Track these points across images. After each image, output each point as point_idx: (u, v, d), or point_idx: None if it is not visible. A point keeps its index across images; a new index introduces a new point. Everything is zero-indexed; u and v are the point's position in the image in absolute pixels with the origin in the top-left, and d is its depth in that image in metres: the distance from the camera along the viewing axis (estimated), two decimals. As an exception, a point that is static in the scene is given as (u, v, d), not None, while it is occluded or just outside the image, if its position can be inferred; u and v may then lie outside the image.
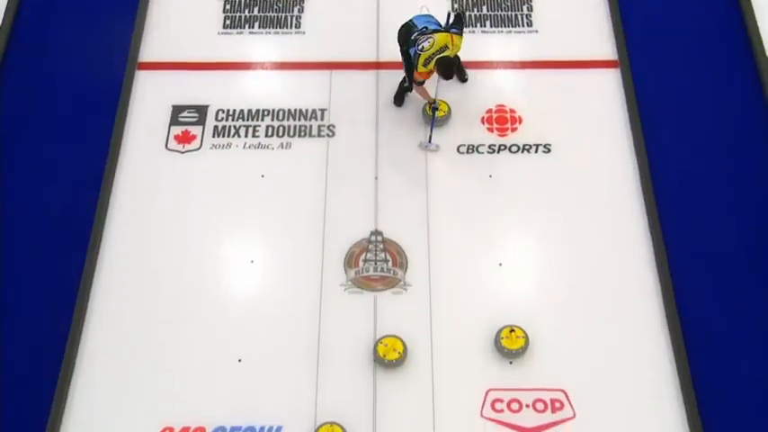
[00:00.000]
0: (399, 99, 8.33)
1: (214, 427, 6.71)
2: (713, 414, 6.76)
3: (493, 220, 7.67)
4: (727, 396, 6.86)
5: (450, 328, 7.17)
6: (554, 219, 7.71)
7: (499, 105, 8.28)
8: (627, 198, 7.78)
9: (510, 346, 6.93)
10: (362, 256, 7.49)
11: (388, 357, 6.95)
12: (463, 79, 8.40)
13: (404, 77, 8.08)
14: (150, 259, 7.56)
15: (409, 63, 7.78)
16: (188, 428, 6.68)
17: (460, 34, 7.60)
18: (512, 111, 8.28)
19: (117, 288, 7.42)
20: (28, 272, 7.56)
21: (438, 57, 7.43)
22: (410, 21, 7.75)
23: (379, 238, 7.58)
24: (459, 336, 7.12)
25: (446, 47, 7.46)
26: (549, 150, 8.00)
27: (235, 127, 8.20)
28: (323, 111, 8.27)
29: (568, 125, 8.20)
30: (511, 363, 6.96)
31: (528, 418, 6.73)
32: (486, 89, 8.25)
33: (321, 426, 6.65)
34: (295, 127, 8.21)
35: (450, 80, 7.72)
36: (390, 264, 7.46)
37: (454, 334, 7.14)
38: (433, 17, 7.72)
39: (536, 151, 8.01)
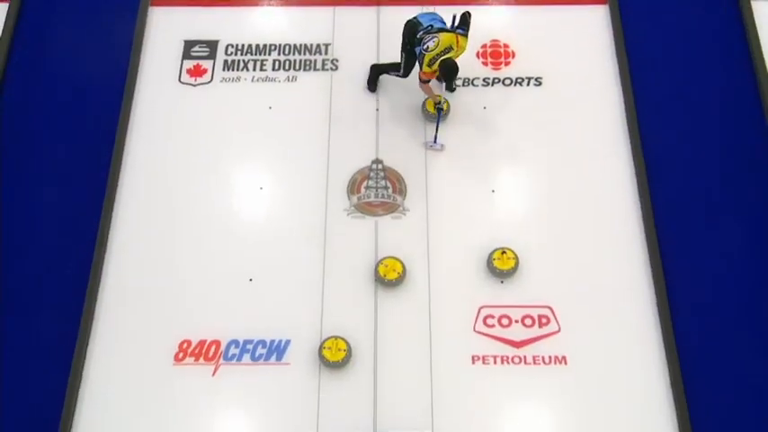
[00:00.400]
0: (373, 84, 8.07)
1: (228, 341, 6.90)
2: (684, 321, 6.93)
3: (486, 150, 7.75)
4: (700, 303, 7.03)
5: (446, 250, 7.31)
6: (544, 148, 7.80)
7: (493, 41, 8.36)
8: (612, 126, 7.88)
9: (501, 266, 7.08)
10: (364, 183, 7.59)
11: (388, 277, 7.08)
12: (453, 88, 8.10)
13: (389, 64, 7.88)
14: (166, 186, 7.66)
15: (408, 58, 7.55)
16: (204, 341, 6.88)
17: (466, 35, 7.35)
18: (505, 45, 8.34)
19: (136, 215, 7.54)
20: (53, 198, 7.65)
21: (442, 58, 7.22)
22: (415, 18, 7.49)
23: (380, 167, 7.67)
24: (454, 257, 7.26)
25: (451, 48, 7.23)
26: (540, 83, 8.08)
27: (243, 61, 8.25)
28: (327, 46, 8.32)
29: (559, 59, 8.26)
30: (502, 282, 7.13)
31: (517, 333, 6.92)
32: (482, 25, 8.13)
33: (326, 339, 6.83)
34: (300, 61, 8.26)
35: (441, 81, 7.68)
36: (390, 190, 7.57)
37: (449, 255, 7.28)
38: (437, 15, 7.48)
39: (528, 84, 8.08)
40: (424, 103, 7.81)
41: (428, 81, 7.52)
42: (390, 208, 7.53)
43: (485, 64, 8.20)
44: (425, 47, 7.20)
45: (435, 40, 7.16)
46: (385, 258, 7.21)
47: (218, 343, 6.92)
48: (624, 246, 7.31)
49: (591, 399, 6.69)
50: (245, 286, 7.17)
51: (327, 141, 7.82)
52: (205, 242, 7.40)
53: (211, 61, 8.23)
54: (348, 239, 7.40)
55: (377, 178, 7.64)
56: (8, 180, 7.77)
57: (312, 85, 8.14)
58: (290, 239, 7.43)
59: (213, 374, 6.82)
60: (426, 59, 7.21)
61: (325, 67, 8.20)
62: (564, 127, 7.89)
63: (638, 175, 7.58)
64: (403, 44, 7.52)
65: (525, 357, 6.86)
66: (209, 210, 7.57)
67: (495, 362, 6.85)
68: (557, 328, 6.95)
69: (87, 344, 6.90)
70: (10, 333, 7.03)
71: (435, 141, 7.67)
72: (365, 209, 7.52)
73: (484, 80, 8.10)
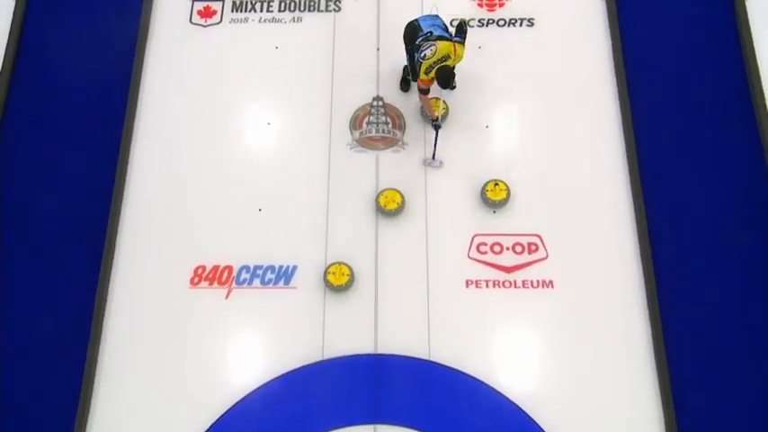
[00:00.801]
0: (406, 84, 7.82)
1: (239, 266, 7.06)
2: (663, 248, 7.07)
3: (481, 87, 7.76)
4: (678, 229, 7.17)
5: (442, 182, 7.40)
6: (535, 85, 7.81)
7: (488, -18, 8.42)
8: (600, 65, 7.87)
9: (494, 197, 7.19)
10: (366, 119, 7.63)
11: (388, 207, 7.20)
12: (452, 87, 7.65)
13: (405, 66, 7.63)
14: (180, 123, 7.73)
15: (413, 61, 7.26)
16: (218, 267, 7.05)
17: (463, 44, 7.07)
18: (499, -13, 8.40)
19: (153, 151, 7.62)
20: (73, 136, 7.74)
21: (439, 66, 6.96)
22: (417, 21, 7.21)
23: (381, 103, 7.71)
24: (450, 188, 7.35)
25: (448, 56, 6.96)
26: (533, 24, 8.06)
27: (251, 2, 8.23)
28: (329, -13, 8.39)
29: (550, 1, 8.24)
30: (494, 212, 7.24)
31: (508, 259, 7.07)
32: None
33: (331, 265, 6.99)
34: (305, 2, 8.22)
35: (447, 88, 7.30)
36: (390, 126, 7.62)
37: (445, 187, 7.37)
38: (439, 19, 7.18)
39: (521, 25, 8.06)
40: (420, 109, 7.63)
41: (427, 91, 7.23)
42: (390, 142, 7.59)
43: (480, 5, 8.17)
44: (423, 55, 6.97)
45: (433, 48, 6.92)
46: (385, 190, 7.30)
47: (230, 268, 7.07)
48: (608, 178, 7.38)
49: (575, 319, 6.85)
50: (255, 216, 7.28)
51: (331, 79, 7.84)
52: (217, 175, 7.48)
53: (220, 3, 8.21)
54: (350, 172, 7.47)
55: (377, 114, 7.67)
56: (27, 117, 7.84)
57: (316, 25, 8.11)
58: (296, 172, 7.50)
59: (226, 297, 6.97)
60: (423, 67, 6.98)
61: (329, 8, 8.17)
62: (555, 66, 7.88)
63: (623, 112, 7.61)
64: (405, 47, 7.29)
65: (515, 282, 7.00)
66: (221, 145, 7.62)
67: (487, 286, 6.98)
68: (545, 255, 7.09)
69: (110, 269, 7.05)
70: (34, 261, 7.20)
71: (434, 158, 7.45)
72: (366, 143, 7.58)
73: (479, 21, 8.07)
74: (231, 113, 7.77)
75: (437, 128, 7.37)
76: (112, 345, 6.82)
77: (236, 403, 6.61)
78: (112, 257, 7.11)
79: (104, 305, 6.93)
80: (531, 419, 6.50)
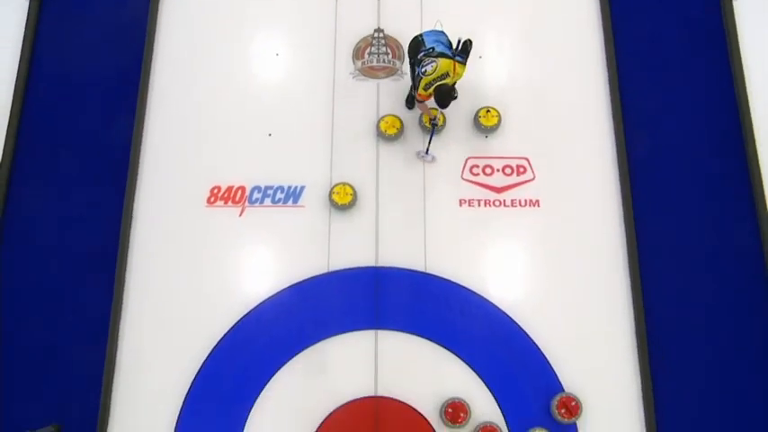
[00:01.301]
0: (411, 102, 7.56)
1: (252, 186, 7.30)
2: (639, 168, 7.32)
3: (476, 20, 7.80)
4: (654, 154, 7.39)
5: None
6: (525, 21, 7.89)
7: None
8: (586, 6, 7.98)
9: (486, 123, 7.38)
10: (367, 50, 7.72)
11: (388, 132, 7.39)
12: (453, 96, 7.32)
13: (412, 86, 7.33)
14: (197, 56, 7.83)
15: (415, 75, 7.01)
16: (232, 187, 7.28)
17: (464, 63, 6.81)
18: None
19: (171, 83, 7.75)
20: (95, 61, 7.83)
21: (438, 84, 6.72)
22: (421, 36, 6.93)
23: (381, 35, 7.79)
24: (446, 111, 7.30)
25: (447, 74, 6.72)
26: None
27: None
28: None
29: None
30: (486, 137, 7.44)
31: (498, 180, 7.32)
32: None
33: (335, 185, 7.21)
34: None
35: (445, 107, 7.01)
36: (390, 56, 7.72)
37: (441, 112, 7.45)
38: (443, 35, 6.90)
39: None
40: (420, 117, 7.48)
41: (423, 103, 7.07)
42: (390, 71, 7.70)
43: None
44: (423, 70, 6.72)
45: (433, 64, 6.68)
46: (386, 116, 7.46)
47: (243, 188, 7.29)
48: (592, 107, 7.56)
49: (558, 235, 7.15)
50: (266, 141, 7.46)
51: (335, 12, 7.89)
52: (231, 103, 7.62)
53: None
54: (353, 99, 7.60)
55: (378, 45, 7.75)
56: (54, 43, 7.91)
57: (321, -40, 8.16)
58: (303, 99, 7.61)
59: (240, 215, 7.21)
60: (423, 83, 6.74)
61: (332, -57, 8.18)
62: (542, 7, 7.95)
63: (606, 49, 7.73)
64: (410, 62, 7.04)
65: (504, 201, 7.24)
66: (234, 75, 7.74)
67: (479, 205, 7.23)
68: (532, 177, 7.31)
69: (135, 191, 7.28)
70: (64, 185, 7.40)
71: (427, 153, 7.35)
72: (368, 72, 7.68)
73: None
74: (242, 45, 7.85)
75: (434, 125, 7.27)
76: (139, 259, 7.11)
77: (251, 310, 6.93)
78: (136, 180, 7.31)
79: (130, 224, 7.17)
80: (517, 325, 6.84)
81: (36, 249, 7.24)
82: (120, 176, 7.35)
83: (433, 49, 6.77)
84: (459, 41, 6.88)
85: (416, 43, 6.90)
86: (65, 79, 7.83)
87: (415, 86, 7.06)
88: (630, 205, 7.16)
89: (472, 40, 6.97)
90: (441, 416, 6.67)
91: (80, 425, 6.65)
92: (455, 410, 6.64)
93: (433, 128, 7.27)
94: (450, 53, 6.75)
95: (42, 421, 6.53)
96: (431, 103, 6.95)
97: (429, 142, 7.33)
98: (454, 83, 6.84)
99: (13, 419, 6.58)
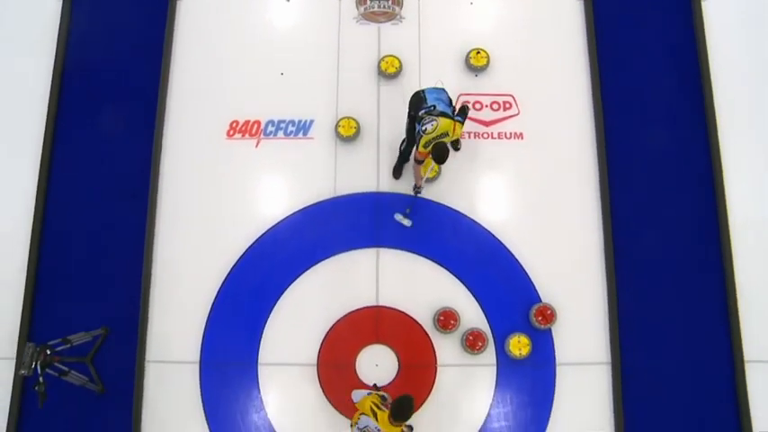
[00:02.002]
0: (398, 172, 7.46)
1: (266, 120, 7.59)
2: (612, 113, 7.64)
3: None
4: (628, 98, 7.68)
5: (434, 47, 7.81)
6: None
7: None
8: None
9: (476, 63, 7.67)
10: None
11: (388, 71, 7.65)
12: (456, 148, 7.49)
13: (403, 139, 7.21)
14: (216, 5, 8.03)
15: (411, 128, 6.84)
16: (248, 121, 7.59)
17: (462, 123, 6.73)
18: None
19: (195, 27, 7.97)
20: (122, 16, 8.08)
21: (436, 142, 6.51)
22: (423, 93, 6.71)
23: None
24: (440, 55, 7.72)
25: (447, 134, 6.53)
26: None
27: None
28: None
29: None
30: (476, 75, 7.73)
31: (486, 114, 7.65)
32: None
33: (341, 119, 7.50)
34: None
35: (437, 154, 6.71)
36: (390, 2, 7.94)
37: (436, 54, 7.76)
38: (444, 93, 6.72)
39: None
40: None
41: (422, 162, 6.86)
42: (390, 16, 7.90)
43: None
44: (424, 129, 6.51)
45: (434, 123, 6.48)
46: (386, 56, 7.70)
47: (258, 122, 7.58)
48: (570, 49, 7.87)
49: (539, 164, 7.50)
50: (278, 79, 7.75)
51: None
52: (247, 46, 7.89)
53: None
54: (357, 41, 7.85)
55: None
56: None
57: None
58: (311, 40, 7.87)
59: (256, 146, 7.52)
60: (423, 141, 6.53)
61: None
62: None
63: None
64: (408, 113, 6.85)
65: (492, 133, 7.56)
66: (249, 20, 7.99)
67: (468, 136, 7.54)
68: (517, 112, 7.62)
69: (164, 126, 7.60)
70: (106, 128, 7.69)
71: (407, 215, 7.26)
72: (370, 17, 7.91)
73: None
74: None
75: (417, 194, 7.20)
76: (169, 186, 7.45)
77: (267, 230, 7.29)
78: (164, 117, 7.62)
79: (160, 155, 7.49)
80: (502, 243, 7.23)
81: (82, 179, 7.54)
82: (150, 115, 7.59)
83: (435, 107, 6.59)
84: (460, 108, 7.08)
85: (418, 99, 6.72)
86: (100, 27, 8.05)
87: (409, 141, 7.07)
88: (603, 139, 7.46)
89: (468, 107, 7.24)
90: (434, 323, 7.04)
91: (124, 329, 7.08)
92: (446, 318, 7.00)
93: (415, 194, 7.21)
94: (450, 112, 6.60)
95: (93, 325, 7.03)
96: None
97: (409, 208, 7.26)
98: (452, 141, 6.73)
99: (69, 324, 6.93)
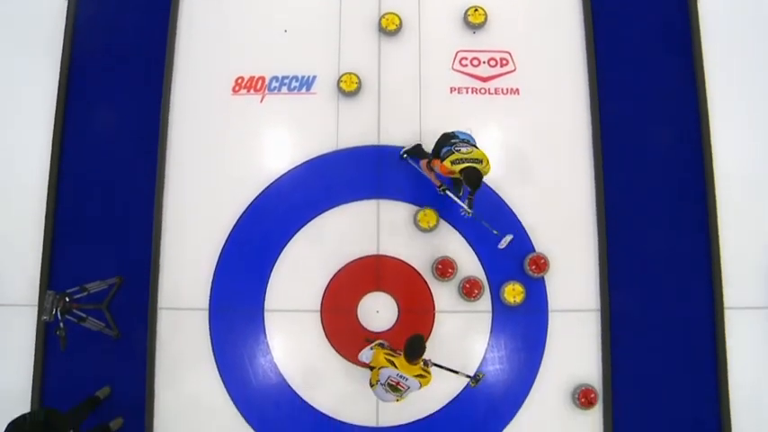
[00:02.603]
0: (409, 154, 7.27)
1: (270, 76, 7.59)
2: (605, 70, 7.59)
3: None
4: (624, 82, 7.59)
5: (433, 4, 7.75)
6: None
7: None
8: None
9: (474, 20, 7.59)
10: None
11: (388, 28, 7.60)
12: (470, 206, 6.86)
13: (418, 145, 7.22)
14: None
15: (438, 150, 6.57)
16: (253, 77, 7.58)
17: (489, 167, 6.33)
18: None
19: None
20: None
21: (469, 164, 6.16)
22: (453, 132, 6.59)
23: None
24: (439, 13, 7.71)
25: (481, 161, 6.24)
26: None
27: None
28: None
29: None
30: (474, 32, 7.67)
31: (484, 71, 7.60)
32: None
33: (343, 74, 7.49)
34: None
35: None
36: None
37: (436, 11, 7.74)
38: (473, 139, 6.64)
39: None
40: (416, 216, 7.28)
41: (434, 171, 6.74)
42: None
43: None
44: (457, 149, 6.30)
45: (470, 148, 6.33)
46: (387, 13, 7.64)
47: (263, 78, 7.57)
48: (566, 7, 7.73)
49: (534, 119, 7.49)
50: (282, 36, 7.69)
51: None
52: (251, 3, 7.80)
53: None
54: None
55: None
56: None
57: None
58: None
59: (261, 102, 7.53)
60: (452, 157, 6.27)
61: None
62: None
63: None
64: (433, 149, 6.71)
65: (489, 89, 7.53)
66: None
67: (467, 92, 7.55)
68: (513, 68, 7.59)
69: (171, 82, 7.59)
70: (116, 88, 7.68)
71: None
72: None
73: None
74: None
75: (445, 191, 6.89)
76: (177, 140, 7.50)
77: (272, 183, 7.37)
78: (172, 74, 7.62)
79: (168, 111, 7.52)
80: (498, 195, 7.30)
81: (94, 134, 7.59)
82: (158, 72, 7.59)
83: (468, 141, 6.52)
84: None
85: (447, 135, 6.59)
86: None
87: (420, 153, 7.07)
88: (596, 94, 7.46)
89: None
90: (432, 271, 7.16)
91: (137, 277, 7.24)
92: (444, 266, 7.12)
93: (444, 192, 6.88)
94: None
95: (108, 274, 7.20)
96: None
97: (464, 199, 6.81)
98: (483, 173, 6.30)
99: (86, 273, 7.11)
